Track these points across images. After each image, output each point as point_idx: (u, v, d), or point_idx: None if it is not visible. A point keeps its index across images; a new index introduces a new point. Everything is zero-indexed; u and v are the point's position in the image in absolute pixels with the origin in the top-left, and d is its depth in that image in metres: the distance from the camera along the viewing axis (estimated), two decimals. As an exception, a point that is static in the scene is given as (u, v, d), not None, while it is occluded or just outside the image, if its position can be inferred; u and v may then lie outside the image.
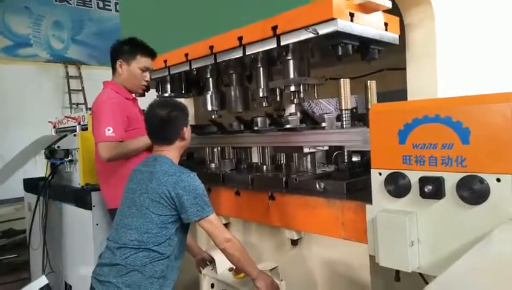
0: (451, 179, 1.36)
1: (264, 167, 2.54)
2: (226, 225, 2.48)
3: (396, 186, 1.50)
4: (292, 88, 2.23)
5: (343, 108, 2.08)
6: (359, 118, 2.28)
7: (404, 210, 1.48)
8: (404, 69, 2.35)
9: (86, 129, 3.03)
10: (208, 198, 1.83)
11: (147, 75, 2.41)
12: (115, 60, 2.40)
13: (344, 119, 2.07)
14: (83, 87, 7.67)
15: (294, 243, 2.08)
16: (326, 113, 2.39)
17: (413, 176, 1.46)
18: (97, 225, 2.68)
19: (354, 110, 2.70)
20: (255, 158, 2.79)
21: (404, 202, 1.50)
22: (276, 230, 2.20)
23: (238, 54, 2.24)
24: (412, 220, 1.44)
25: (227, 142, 2.74)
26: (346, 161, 2.12)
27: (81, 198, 2.81)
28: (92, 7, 8.03)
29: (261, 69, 2.47)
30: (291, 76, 2.23)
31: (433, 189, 1.39)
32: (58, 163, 3.16)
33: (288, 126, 2.20)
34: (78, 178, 2.99)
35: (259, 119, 2.45)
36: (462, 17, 2.40)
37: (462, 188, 1.34)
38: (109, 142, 2.18)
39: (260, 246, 2.35)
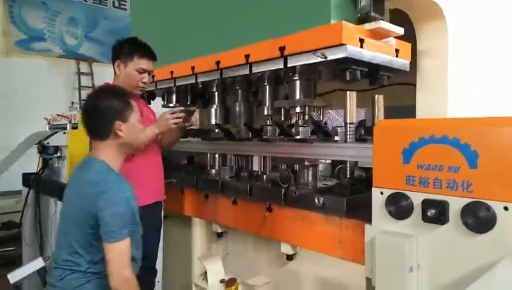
0: (456, 204, 1.29)
1: (264, 176, 2.47)
2: (222, 234, 2.42)
3: (398, 207, 1.43)
4: (298, 109, 2.19)
5: (348, 121, 2.02)
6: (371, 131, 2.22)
7: (404, 233, 1.41)
8: (414, 84, 2.28)
9: (76, 128, 3.09)
10: (130, 220, 1.56)
11: (145, 77, 2.26)
12: (114, 60, 2.29)
13: (348, 133, 2.00)
14: (93, 84, 7.69)
15: (289, 257, 2.01)
16: (339, 127, 2.33)
17: (416, 198, 1.39)
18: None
19: (362, 122, 2.64)
20: (256, 166, 2.73)
21: (405, 224, 1.42)
22: (272, 243, 2.13)
23: (244, 71, 2.20)
24: (411, 245, 1.37)
25: (232, 150, 2.68)
26: (348, 176, 2.06)
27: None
28: (107, 5, 8.09)
29: (267, 87, 2.44)
30: (297, 97, 2.18)
31: (436, 213, 1.32)
32: (49, 158, 3.23)
33: (299, 137, 2.14)
34: (65, 174, 3.04)
35: (268, 128, 2.38)
36: (476, 35, 2.33)
37: (467, 214, 1.26)
38: None
39: (255, 258, 2.28)
